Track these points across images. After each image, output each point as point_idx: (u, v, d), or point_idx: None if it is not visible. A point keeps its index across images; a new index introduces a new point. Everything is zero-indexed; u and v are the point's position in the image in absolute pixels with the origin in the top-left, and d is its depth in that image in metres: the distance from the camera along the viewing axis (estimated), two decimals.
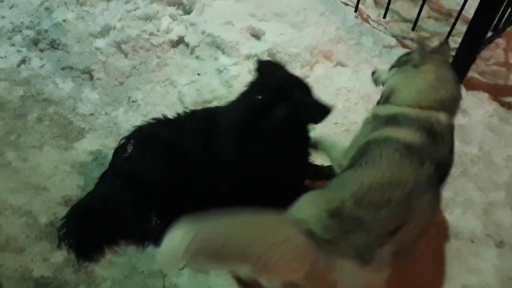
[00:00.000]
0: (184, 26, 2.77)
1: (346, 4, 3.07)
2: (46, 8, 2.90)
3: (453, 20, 2.82)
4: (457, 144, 2.30)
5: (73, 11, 2.81)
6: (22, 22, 2.88)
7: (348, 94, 2.54)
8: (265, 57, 2.65)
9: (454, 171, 2.19)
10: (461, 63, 2.61)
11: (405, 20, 3.18)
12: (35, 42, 2.79)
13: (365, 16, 3.08)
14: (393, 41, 2.88)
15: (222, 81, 2.59)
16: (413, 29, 2.95)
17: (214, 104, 2.48)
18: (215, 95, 2.53)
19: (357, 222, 1.23)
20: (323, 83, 2.61)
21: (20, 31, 2.84)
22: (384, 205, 1.26)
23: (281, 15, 2.86)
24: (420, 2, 2.86)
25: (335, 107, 2.45)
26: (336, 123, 2.40)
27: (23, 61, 2.74)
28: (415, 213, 1.29)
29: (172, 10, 2.87)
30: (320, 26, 2.82)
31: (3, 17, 2.96)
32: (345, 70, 2.69)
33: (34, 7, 2.96)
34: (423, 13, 2.96)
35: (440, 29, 3.12)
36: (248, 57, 2.67)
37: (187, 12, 2.87)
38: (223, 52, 2.69)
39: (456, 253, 1.91)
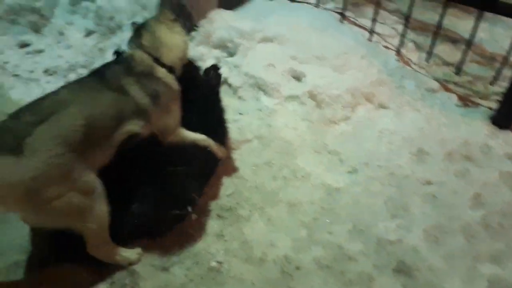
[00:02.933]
0: (228, 68, 2.87)
1: (387, 48, 3.10)
2: (100, 49, 3.10)
3: (497, 64, 2.79)
4: (509, 193, 2.23)
5: None
6: (77, 62, 3.07)
7: (391, 137, 2.52)
8: (306, 98, 2.69)
9: (506, 222, 2.10)
10: (509, 107, 2.55)
11: (447, 64, 3.16)
12: None
13: (406, 59, 3.09)
14: (436, 85, 2.86)
15: (263, 120, 2.64)
16: (456, 73, 2.93)
17: (255, 143, 2.52)
18: (256, 134, 2.56)
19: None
20: (365, 125, 2.60)
21: (75, 70, 3.02)
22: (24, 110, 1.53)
23: (322, 58, 2.91)
24: (462, 46, 2.85)
25: (379, 149, 2.46)
26: (379, 165, 2.37)
27: None
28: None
29: (217, 52, 2.99)
30: (362, 69, 2.85)
31: (60, 56, 3.17)
32: (387, 112, 2.68)
33: (89, 48, 3.16)
34: (466, 57, 2.94)
35: (483, 73, 3.08)
36: (288, 98, 2.73)
37: (231, 54, 2.98)
38: (265, 93, 2.76)
39: None
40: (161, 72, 1.81)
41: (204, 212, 2.13)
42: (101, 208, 1.61)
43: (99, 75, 1.75)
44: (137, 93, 1.73)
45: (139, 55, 1.80)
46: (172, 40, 1.88)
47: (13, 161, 1.37)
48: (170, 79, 1.84)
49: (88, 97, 1.64)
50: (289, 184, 2.30)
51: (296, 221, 2.11)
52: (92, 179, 1.59)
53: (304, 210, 2.17)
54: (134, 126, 1.73)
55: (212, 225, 2.07)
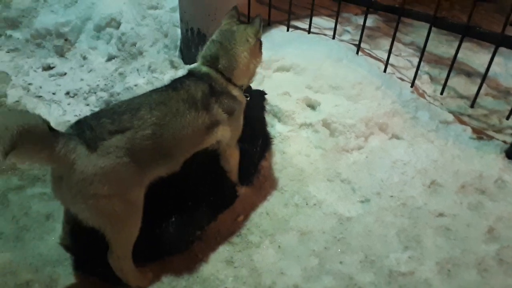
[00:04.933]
0: None
1: (402, 80, 3.12)
2: (120, 74, 3.19)
3: (511, 98, 2.78)
4: None
5: (144, 77, 3.07)
6: (98, 85, 3.18)
7: (404, 167, 2.51)
8: (320, 126, 2.72)
9: None
10: None
11: (462, 97, 3.16)
12: (107, 103, 3.03)
13: (421, 91, 3.10)
14: (450, 117, 2.86)
15: (276, 147, 2.67)
16: (471, 106, 2.92)
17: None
18: (270, 161, 2.59)
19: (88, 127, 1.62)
20: (378, 155, 2.60)
21: (95, 93, 3.12)
22: (106, 115, 1.67)
23: (337, 88, 2.95)
24: (476, 79, 2.85)
25: (392, 179, 2.46)
26: (392, 196, 2.36)
27: None
28: (143, 124, 1.67)
29: None
30: (376, 100, 2.87)
31: (81, 79, 3.28)
32: (401, 143, 2.68)
33: (110, 72, 3.27)
34: (481, 90, 2.95)
35: (499, 107, 3.07)
36: (302, 125, 2.76)
37: None
38: (279, 120, 2.79)
39: None
40: (235, 90, 2.01)
41: (214, 237, 2.14)
42: (135, 223, 1.72)
43: (183, 90, 1.85)
44: (218, 111, 1.92)
45: (214, 75, 1.96)
46: (246, 64, 2.03)
47: (85, 153, 1.55)
48: (241, 96, 2.07)
49: (170, 117, 1.76)
50: (300, 212, 2.30)
51: (307, 250, 2.11)
52: (140, 194, 1.71)
53: (315, 239, 2.16)
54: (211, 140, 1.97)
55: (222, 250, 2.08)
